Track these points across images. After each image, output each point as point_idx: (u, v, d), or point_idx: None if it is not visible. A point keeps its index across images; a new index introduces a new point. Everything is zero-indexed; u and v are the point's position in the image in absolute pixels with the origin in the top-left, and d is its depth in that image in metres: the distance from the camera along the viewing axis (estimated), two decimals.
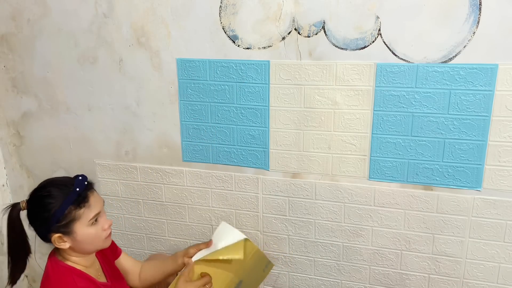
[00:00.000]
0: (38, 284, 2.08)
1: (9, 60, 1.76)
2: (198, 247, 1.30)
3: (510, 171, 1.35)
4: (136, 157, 1.73)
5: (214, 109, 1.57)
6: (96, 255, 1.29)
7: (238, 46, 1.48)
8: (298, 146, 1.52)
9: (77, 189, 1.13)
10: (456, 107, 1.34)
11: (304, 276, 1.66)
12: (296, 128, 1.51)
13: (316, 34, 1.39)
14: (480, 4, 1.24)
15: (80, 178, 1.17)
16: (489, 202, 1.39)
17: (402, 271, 1.54)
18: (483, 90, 1.30)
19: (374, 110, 1.41)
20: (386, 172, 1.46)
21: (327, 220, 1.57)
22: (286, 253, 1.66)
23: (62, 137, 1.80)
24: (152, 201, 1.77)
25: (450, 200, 1.42)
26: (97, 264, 1.28)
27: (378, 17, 1.33)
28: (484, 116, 1.32)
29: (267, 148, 1.56)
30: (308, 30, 1.39)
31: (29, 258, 1.21)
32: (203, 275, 1.23)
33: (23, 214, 1.17)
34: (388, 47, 1.35)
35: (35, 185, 1.90)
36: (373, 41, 1.35)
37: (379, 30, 1.34)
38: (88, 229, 1.14)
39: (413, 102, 1.37)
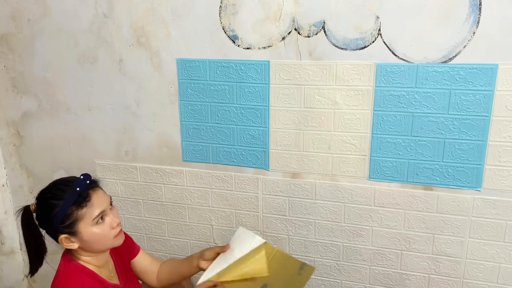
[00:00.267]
0: (38, 284, 2.08)
1: (9, 60, 1.76)
2: (214, 250, 1.25)
3: (510, 171, 1.35)
4: (136, 157, 1.73)
5: (214, 109, 1.57)
6: (110, 255, 1.26)
7: (238, 46, 1.48)
8: (298, 146, 1.52)
9: (77, 189, 1.12)
10: (456, 107, 1.34)
11: None
12: (296, 128, 1.51)
13: (316, 34, 1.39)
14: (480, 4, 1.24)
15: (82, 177, 1.15)
16: (489, 202, 1.39)
17: (402, 271, 1.54)
18: (483, 90, 1.30)
19: (374, 110, 1.41)
20: (386, 172, 1.46)
21: (327, 220, 1.57)
22: None
23: (62, 137, 1.80)
24: (152, 201, 1.77)
25: (450, 200, 1.42)
26: (110, 264, 1.26)
27: (378, 17, 1.33)
28: (484, 116, 1.32)
29: (267, 148, 1.56)
30: (308, 30, 1.39)
31: (46, 256, 1.22)
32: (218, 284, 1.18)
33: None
34: (388, 47, 1.35)
35: (35, 185, 1.92)
36: (373, 41, 1.35)
37: (379, 30, 1.34)
38: (93, 229, 1.12)
39: (413, 102, 1.37)
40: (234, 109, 1.55)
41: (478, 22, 1.25)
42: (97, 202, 1.13)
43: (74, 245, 1.13)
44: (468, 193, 1.40)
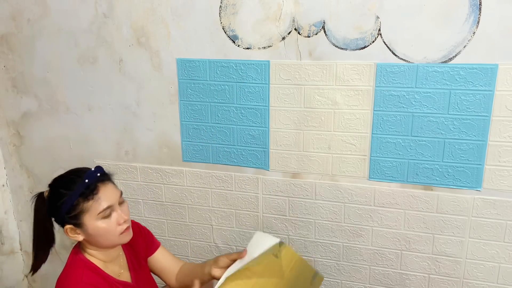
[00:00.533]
0: (38, 284, 2.08)
1: (9, 60, 1.76)
2: (230, 257, 1.13)
3: (510, 171, 1.35)
4: (136, 157, 1.73)
5: (214, 109, 1.57)
6: (123, 250, 1.23)
7: (238, 46, 1.48)
8: (298, 146, 1.52)
9: (86, 180, 1.09)
10: (456, 107, 1.34)
11: None
12: (296, 128, 1.51)
13: (316, 34, 1.39)
14: (480, 4, 1.24)
15: (93, 169, 1.12)
16: (489, 202, 1.39)
17: (402, 271, 1.54)
18: (483, 90, 1.30)
19: (374, 110, 1.41)
20: (386, 172, 1.46)
21: (327, 220, 1.57)
22: None
23: (62, 137, 1.80)
24: (152, 201, 1.77)
25: (450, 200, 1.42)
26: (122, 260, 1.22)
27: (378, 17, 1.33)
28: (484, 116, 1.32)
29: (267, 148, 1.56)
30: (308, 30, 1.39)
31: (52, 249, 1.18)
32: None
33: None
34: (388, 47, 1.35)
35: (35, 185, 1.92)
36: (373, 41, 1.35)
37: (379, 30, 1.34)
38: (98, 223, 1.09)
39: (413, 102, 1.37)
40: (234, 109, 1.55)
41: (478, 22, 1.25)
42: (105, 196, 1.10)
43: (79, 237, 1.11)
44: (468, 193, 1.40)
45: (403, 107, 1.38)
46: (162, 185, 1.73)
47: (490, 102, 1.30)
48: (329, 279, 1.64)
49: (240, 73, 1.50)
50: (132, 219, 1.39)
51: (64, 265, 1.16)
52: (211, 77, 1.54)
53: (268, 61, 1.46)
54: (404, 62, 1.35)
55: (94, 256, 1.16)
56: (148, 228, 1.82)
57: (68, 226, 1.10)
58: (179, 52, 1.55)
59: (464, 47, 1.28)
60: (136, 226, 1.31)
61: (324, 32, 1.38)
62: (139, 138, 1.70)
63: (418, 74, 1.34)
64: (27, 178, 1.93)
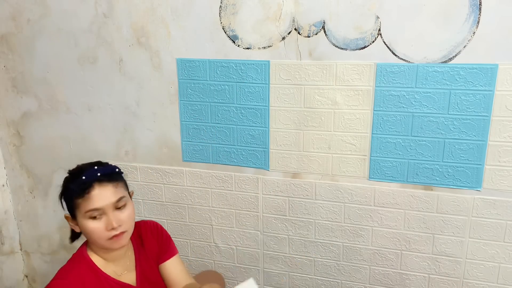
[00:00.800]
0: (38, 284, 2.09)
1: (9, 60, 1.76)
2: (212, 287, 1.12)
3: (510, 171, 1.35)
4: (136, 157, 1.73)
5: (214, 109, 1.57)
6: (134, 251, 1.21)
7: (238, 46, 1.48)
8: (298, 146, 1.52)
9: (83, 177, 1.08)
10: (456, 107, 1.34)
11: (304, 276, 1.66)
12: (296, 128, 1.51)
13: (316, 34, 1.39)
14: (480, 4, 1.24)
15: (96, 167, 1.11)
16: (489, 202, 1.39)
17: (402, 271, 1.54)
18: (483, 90, 1.30)
19: (374, 110, 1.41)
20: (386, 172, 1.46)
21: (327, 220, 1.57)
22: (286, 253, 1.66)
23: (62, 137, 1.80)
24: (152, 201, 1.77)
25: (450, 200, 1.42)
26: (128, 261, 1.19)
27: (378, 17, 1.33)
28: (484, 116, 1.32)
29: (267, 148, 1.56)
30: (308, 30, 1.39)
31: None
32: None
33: None
34: (388, 47, 1.35)
35: (35, 185, 1.92)
36: (373, 41, 1.35)
37: (379, 30, 1.34)
38: (86, 222, 1.08)
39: (413, 102, 1.37)
40: (234, 109, 1.55)
41: (478, 22, 1.25)
42: (97, 198, 1.07)
43: (76, 228, 1.13)
44: (468, 193, 1.40)
45: (403, 107, 1.38)
46: (162, 185, 1.73)
47: (490, 102, 1.30)
48: (329, 279, 1.64)
49: (240, 73, 1.50)
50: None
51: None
52: (211, 77, 1.54)
53: (268, 61, 1.46)
54: (404, 62, 1.35)
55: (96, 254, 1.15)
56: None
57: (67, 214, 1.13)
58: (179, 52, 1.55)
59: (464, 47, 1.28)
60: (155, 228, 1.28)
61: (324, 32, 1.38)
62: (139, 138, 1.70)
63: (418, 74, 1.34)
64: (27, 178, 1.93)
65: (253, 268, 1.71)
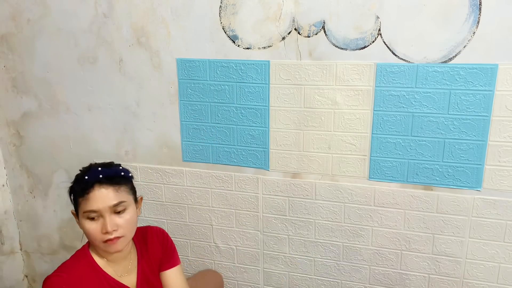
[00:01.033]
0: (38, 284, 2.08)
1: (9, 60, 1.76)
2: None
3: (510, 171, 1.35)
4: (136, 157, 1.73)
5: (214, 109, 1.57)
6: (138, 255, 1.22)
7: (238, 46, 1.48)
8: (298, 146, 1.52)
9: (86, 177, 1.09)
10: (456, 107, 1.34)
11: (304, 276, 1.66)
12: (296, 128, 1.51)
13: (316, 34, 1.39)
14: (480, 4, 1.24)
15: (100, 169, 1.12)
16: (489, 202, 1.39)
17: (402, 271, 1.54)
18: (483, 90, 1.30)
19: (374, 110, 1.41)
20: (386, 172, 1.46)
21: (327, 220, 1.57)
22: (286, 253, 1.66)
23: (62, 137, 1.80)
24: (152, 201, 1.77)
25: (450, 200, 1.42)
26: (130, 264, 1.20)
27: (378, 17, 1.33)
28: (484, 116, 1.32)
29: (267, 148, 1.56)
30: (308, 30, 1.39)
31: None
32: None
33: None
34: (388, 47, 1.35)
35: (35, 185, 1.92)
36: (373, 41, 1.35)
37: (379, 30, 1.34)
38: (84, 222, 1.10)
39: (413, 102, 1.37)
40: (234, 109, 1.55)
41: (478, 22, 1.25)
42: (94, 199, 1.08)
43: (80, 224, 1.14)
44: (468, 193, 1.40)
45: (403, 107, 1.38)
46: (162, 185, 1.73)
47: (490, 102, 1.30)
48: (329, 279, 1.64)
49: (240, 73, 1.50)
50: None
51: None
52: (211, 77, 1.54)
53: (268, 61, 1.46)
54: (404, 62, 1.35)
55: (97, 253, 1.16)
56: None
57: (73, 211, 1.15)
58: (179, 52, 1.55)
59: (464, 47, 1.28)
60: (161, 234, 1.28)
61: (324, 32, 1.38)
62: (139, 138, 1.70)
63: (418, 74, 1.34)
64: (27, 178, 1.93)
65: (253, 268, 1.71)
